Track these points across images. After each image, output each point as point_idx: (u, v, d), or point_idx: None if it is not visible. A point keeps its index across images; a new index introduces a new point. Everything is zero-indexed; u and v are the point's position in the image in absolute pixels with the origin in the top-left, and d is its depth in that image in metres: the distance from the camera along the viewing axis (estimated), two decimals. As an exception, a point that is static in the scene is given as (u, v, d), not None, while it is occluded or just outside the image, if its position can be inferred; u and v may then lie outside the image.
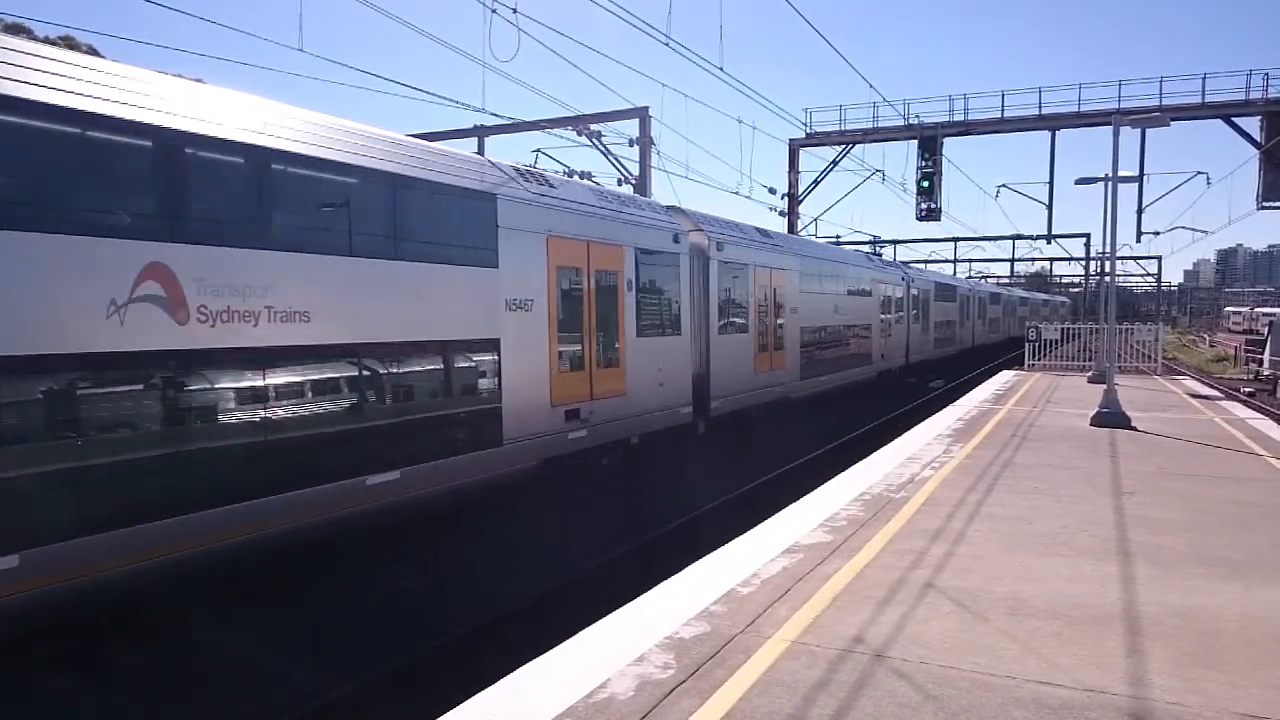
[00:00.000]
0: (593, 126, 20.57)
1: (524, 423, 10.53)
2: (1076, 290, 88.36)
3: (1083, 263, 60.73)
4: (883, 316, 28.06)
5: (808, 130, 35.26)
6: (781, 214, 32.67)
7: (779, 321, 19.30)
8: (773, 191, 29.72)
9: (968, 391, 22.22)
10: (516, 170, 11.42)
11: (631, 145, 20.88)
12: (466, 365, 9.91)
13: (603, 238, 12.43)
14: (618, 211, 13.34)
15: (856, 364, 25.11)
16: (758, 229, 19.70)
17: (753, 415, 18.16)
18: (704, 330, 15.71)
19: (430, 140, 13.85)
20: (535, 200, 11.18)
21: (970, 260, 69.86)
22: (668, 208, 15.94)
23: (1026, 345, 29.17)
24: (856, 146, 34.84)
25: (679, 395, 14.65)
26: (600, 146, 20.90)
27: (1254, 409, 19.35)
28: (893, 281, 29.75)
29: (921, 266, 49.84)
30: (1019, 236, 57.43)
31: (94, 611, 6.67)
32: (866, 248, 43.33)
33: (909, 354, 31.69)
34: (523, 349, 10.56)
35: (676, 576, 6.70)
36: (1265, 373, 31.79)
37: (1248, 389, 27.99)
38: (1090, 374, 23.84)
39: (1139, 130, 17.56)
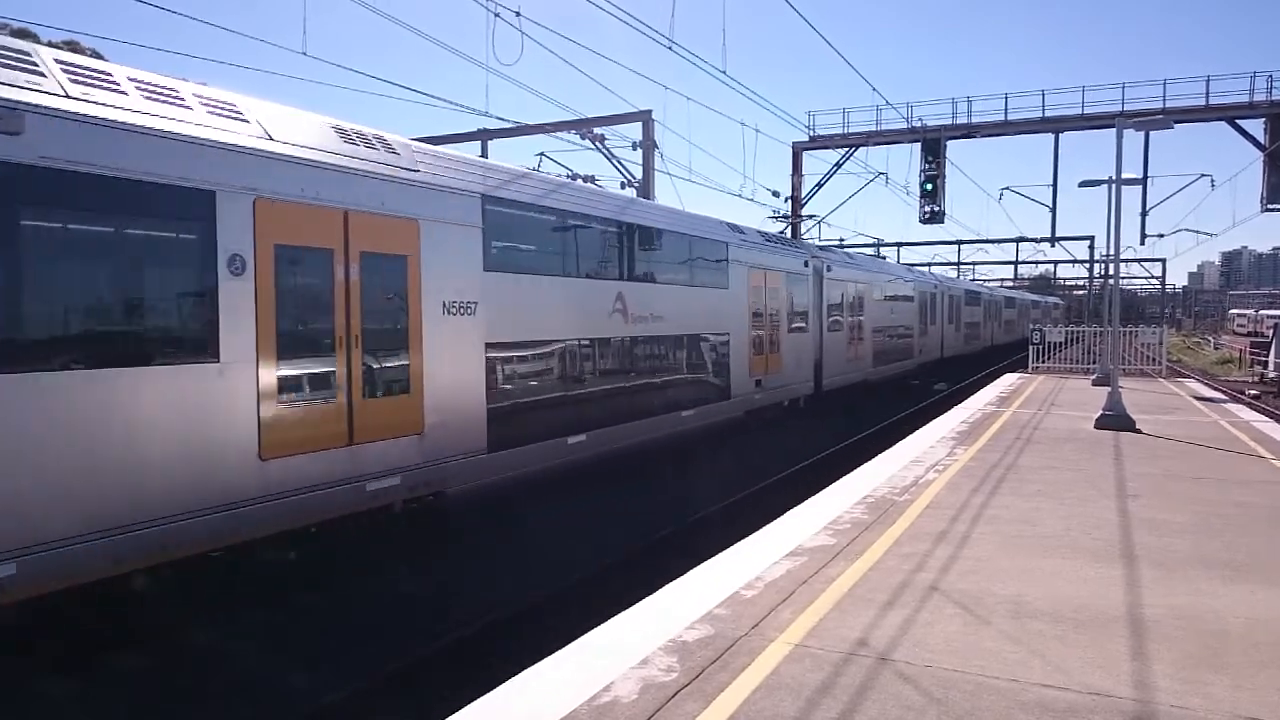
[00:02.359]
0: (596, 130, 20.64)
1: None
2: (1081, 293, 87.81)
3: (1087, 265, 60.69)
4: (759, 328, 18.53)
5: (811, 133, 35.28)
6: (785, 217, 32.66)
7: (364, 346, 9.07)
8: (776, 194, 29.74)
9: (972, 394, 22.20)
10: None
11: (635, 149, 20.96)
12: None
13: None
14: None
15: (666, 408, 14.79)
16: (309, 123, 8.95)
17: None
18: None
19: (436, 144, 13.86)
20: None
21: (974, 264, 69.72)
22: None
23: (1030, 348, 29.20)
24: (860, 149, 34.83)
25: None
26: (604, 150, 20.97)
27: (1259, 411, 19.31)
28: (780, 268, 19.87)
29: (925, 267, 49.48)
30: (1023, 239, 57.40)
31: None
32: (869, 250, 43.09)
33: (822, 376, 22.35)
34: None
35: (680, 579, 6.70)
36: (1270, 375, 31.74)
37: (1253, 391, 27.97)
38: (1094, 377, 23.81)
39: (1143, 133, 17.51)
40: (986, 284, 67.30)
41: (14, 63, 6.55)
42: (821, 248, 25.02)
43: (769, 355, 19.09)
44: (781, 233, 26.09)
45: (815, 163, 40.77)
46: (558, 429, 12.02)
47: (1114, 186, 17.36)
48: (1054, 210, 35.48)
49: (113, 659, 7.12)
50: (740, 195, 36.80)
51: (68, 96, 6.69)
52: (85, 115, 6.72)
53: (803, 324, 21.23)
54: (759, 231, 20.55)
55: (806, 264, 21.71)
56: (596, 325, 13.11)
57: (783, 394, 19.84)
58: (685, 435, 15.42)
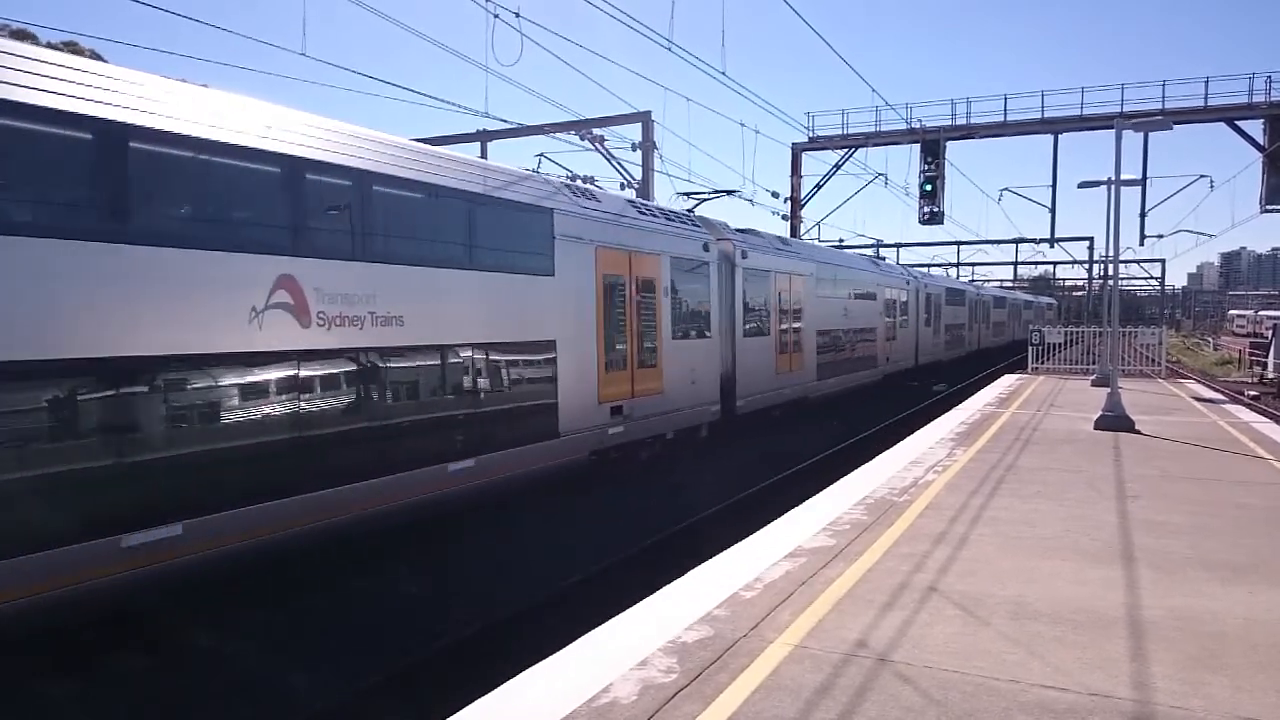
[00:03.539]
0: (595, 131, 20.65)
1: None
2: (1080, 293, 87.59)
3: (1086, 266, 60.78)
4: (620, 332, 13.62)
5: (810, 134, 35.33)
6: (784, 218, 32.69)
7: None
8: (775, 195, 29.75)
9: (971, 396, 22.20)
10: None
11: (634, 149, 20.97)
12: None
13: None
14: None
15: (403, 463, 9.44)
16: None
17: None
18: None
19: (434, 145, 13.84)
20: None
21: (974, 264, 69.74)
22: None
23: (1029, 349, 29.23)
24: (859, 150, 34.91)
25: None
26: (603, 151, 20.98)
27: (1258, 412, 19.31)
28: (658, 250, 14.85)
29: (925, 268, 49.22)
30: (1022, 240, 57.52)
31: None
32: (869, 251, 43.06)
33: (735, 394, 17.67)
34: None
35: (679, 580, 6.70)
36: (1269, 376, 31.76)
37: (1252, 392, 27.97)
38: (1094, 378, 23.81)
39: (1142, 133, 17.51)
40: (985, 283, 66.71)
41: None
42: (742, 230, 19.41)
43: (637, 370, 13.96)
44: (691, 210, 19.06)
45: (815, 164, 40.66)
46: (91, 523, 6.62)
47: (1113, 187, 17.36)
48: (1053, 211, 35.60)
49: (113, 659, 7.13)
50: (740, 196, 36.77)
51: None
52: None
53: (702, 326, 16.42)
54: (630, 201, 15.36)
55: (708, 248, 16.57)
56: (219, 330, 7.64)
57: (665, 423, 14.73)
58: (465, 499, 10.23)
